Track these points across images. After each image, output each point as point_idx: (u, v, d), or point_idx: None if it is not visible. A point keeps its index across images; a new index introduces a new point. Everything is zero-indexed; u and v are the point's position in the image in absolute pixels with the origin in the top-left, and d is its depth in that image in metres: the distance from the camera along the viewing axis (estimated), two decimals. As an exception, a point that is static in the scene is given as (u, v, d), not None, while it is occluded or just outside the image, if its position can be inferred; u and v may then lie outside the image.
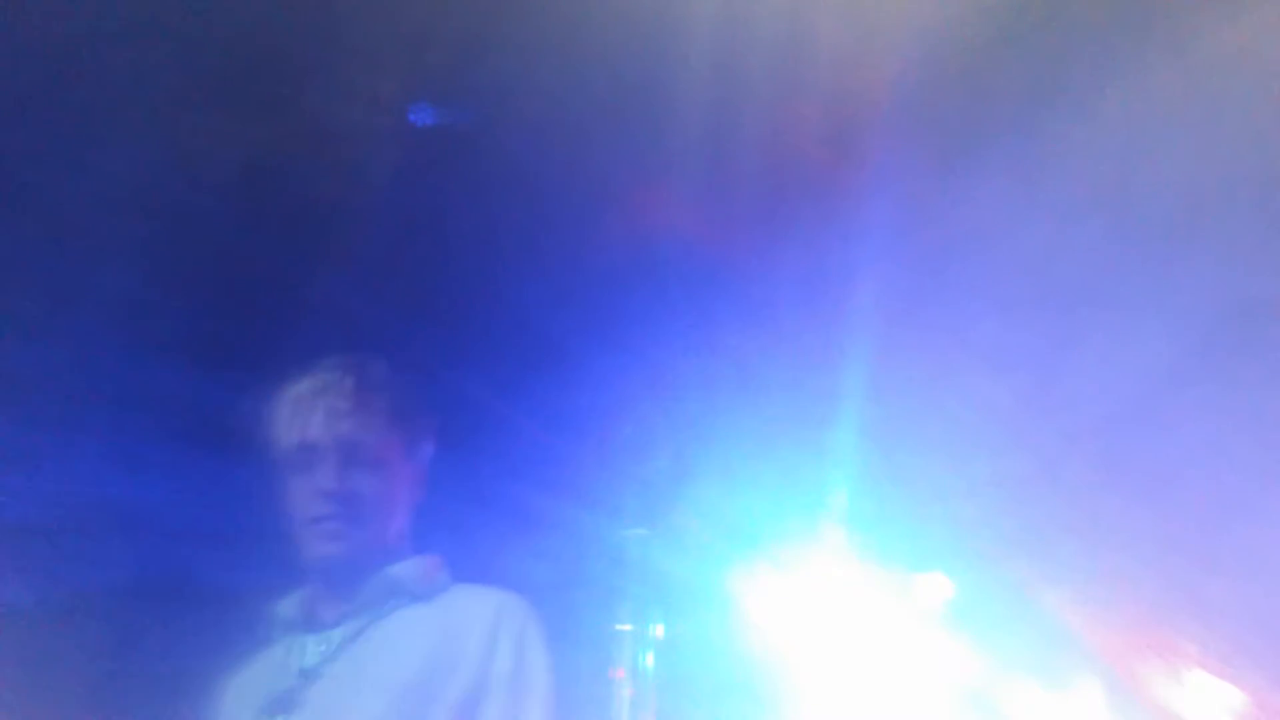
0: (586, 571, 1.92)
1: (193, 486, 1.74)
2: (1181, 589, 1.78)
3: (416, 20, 1.65)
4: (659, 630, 1.92)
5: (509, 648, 1.32)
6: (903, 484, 1.90)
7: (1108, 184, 1.69)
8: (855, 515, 1.90)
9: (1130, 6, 1.60)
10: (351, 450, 1.37)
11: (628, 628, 1.92)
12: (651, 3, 1.61)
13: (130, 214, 1.71)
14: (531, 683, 1.32)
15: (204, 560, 1.75)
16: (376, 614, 1.36)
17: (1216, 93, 1.58)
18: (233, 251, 1.80)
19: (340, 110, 1.74)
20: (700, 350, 1.91)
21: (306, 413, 1.39)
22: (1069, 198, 1.72)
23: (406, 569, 1.40)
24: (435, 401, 1.51)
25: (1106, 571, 1.83)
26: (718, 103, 1.68)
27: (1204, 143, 1.61)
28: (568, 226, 1.85)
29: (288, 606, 1.41)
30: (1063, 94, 1.65)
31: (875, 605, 1.92)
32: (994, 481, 1.87)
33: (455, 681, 1.29)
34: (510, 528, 1.84)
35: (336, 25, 1.64)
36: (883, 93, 1.69)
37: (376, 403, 1.41)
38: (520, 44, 1.66)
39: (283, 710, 1.28)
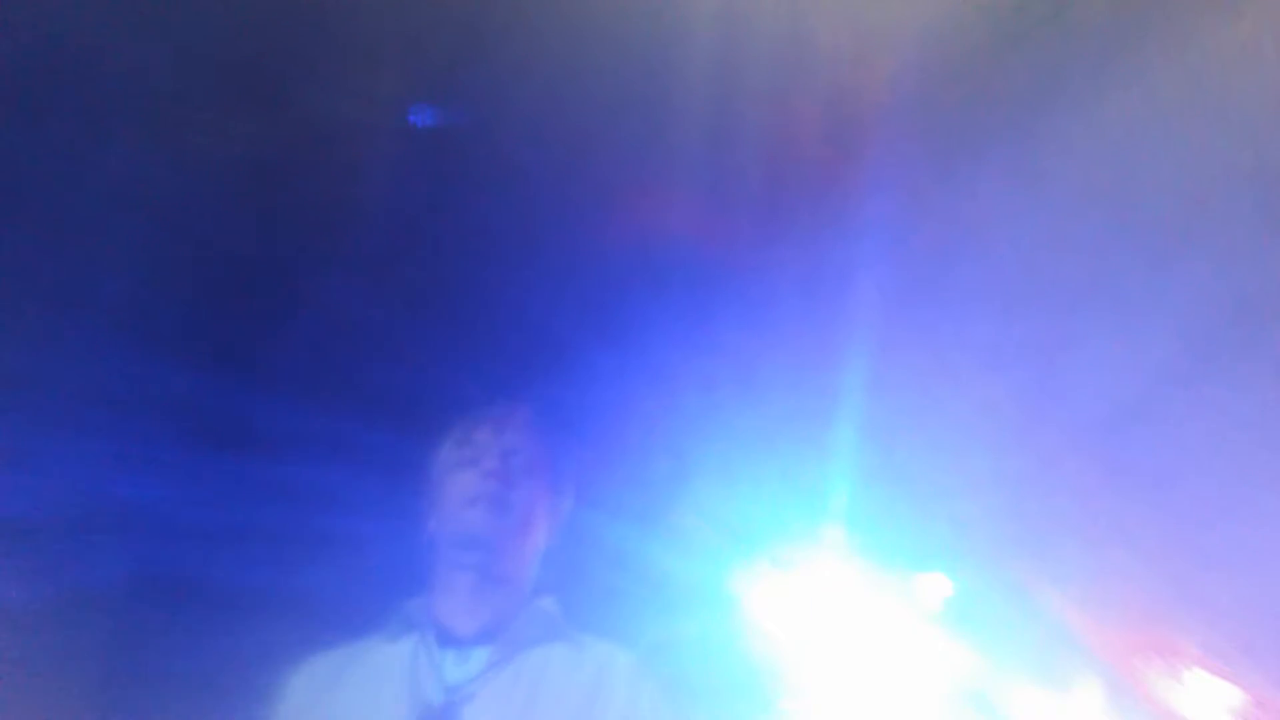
0: (586, 571, 1.92)
1: (193, 487, 1.74)
2: (1181, 589, 1.78)
3: (416, 20, 1.65)
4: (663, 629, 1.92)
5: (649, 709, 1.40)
6: (903, 484, 1.90)
7: (1108, 184, 1.69)
8: (855, 515, 1.90)
9: (1130, 6, 1.60)
10: (514, 449, 1.50)
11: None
12: (651, 3, 1.61)
13: (130, 213, 1.71)
14: None
15: (204, 560, 1.75)
16: (523, 641, 1.40)
17: (1216, 93, 1.58)
18: (232, 251, 1.80)
19: (340, 110, 1.74)
20: (700, 350, 1.91)
21: (478, 425, 1.53)
22: (1069, 197, 1.72)
23: (554, 605, 1.48)
24: (583, 469, 1.65)
25: (1106, 571, 1.83)
26: (718, 102, 1.68)
27: (1204, 143, 1.61)
28: (568, 226, 1.85)
29: (414, 612, 1.44)
30: (1062, 94, 1.65)
31: (875, 605, 1.92)
32: (994, 481, 1.87)
33: None
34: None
35: (336, 25, 1.64)
36: (883, 93, 1.70)
37: (540, 429, 1.57)
38: (520, 44, 1.66)
39: None
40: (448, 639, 1.40)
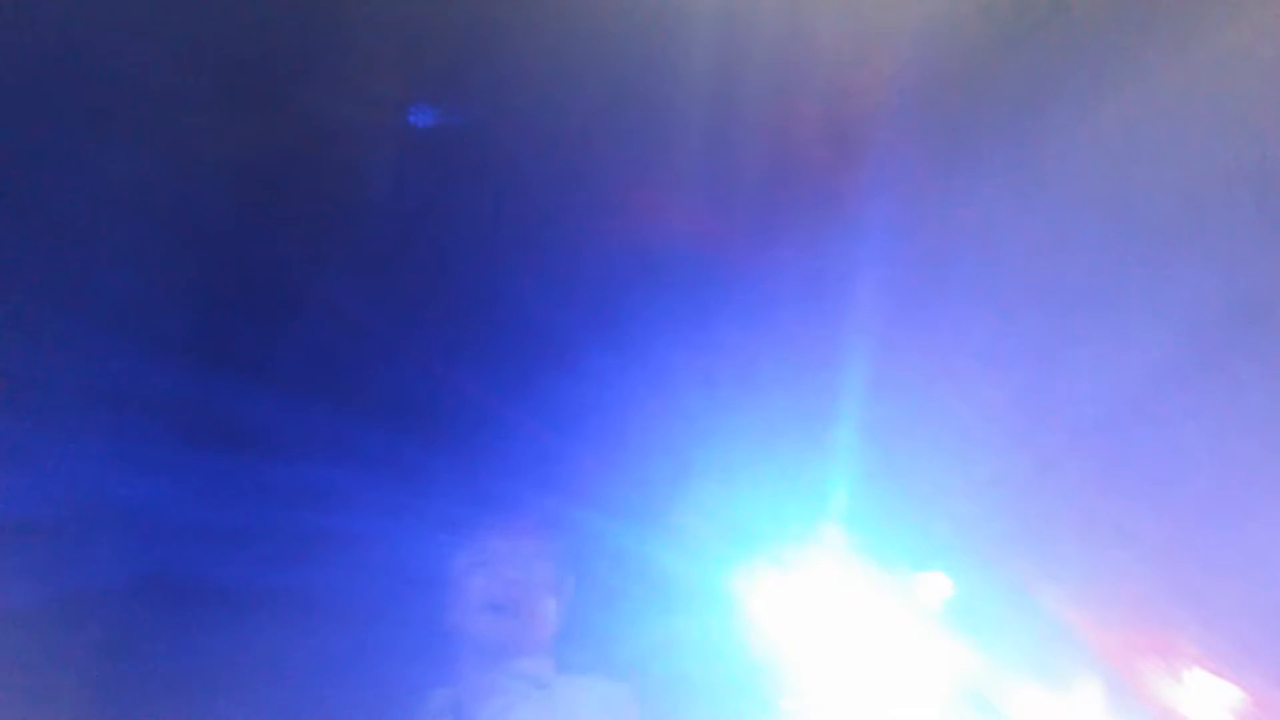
0: (586, 571, 1.92)
1: (193, 487, 1.73)
2: (1181, 589, 1.78)
3: (416, 20, 1.65)
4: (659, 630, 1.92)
5: None
6: (903, 484, 1.90)
7: (1108, 184, 1.69)
8: (855, 515, 1.90)
9: (1130, 6, 1.60)
10: (528, 559, 1.71)
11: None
12: (651, 2, 1.61)
13: (130, 213, 1.71)
14: None
15: (204, 560, 1.75)
16: (502, 706, 1.61)
17: (1216, 93, 1.58)
18: (232, 251, 1.80)
19: (340, 110, 1.74)
20: (700, 350, 1.91)
21: (488, 535, 1.72)
22: (1069, 197, 1.72)
23: (538, 662, 1.68)
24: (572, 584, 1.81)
25: (1106, 571, 1.83)
26: (718, 102, 1.68)
27: (1204, 143, 1.61)
28: (568, 226, 1.85)
29: (442, 700, 1.65)
30: (1062, 94, 1.65)
31: (875, 605, 1.92)
32: (994, 481, 1.87)
33: None
34: (510, 527, 1.84)
35: (336, 25, 1.64)
36: (883, 92, 1.70)
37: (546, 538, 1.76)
38: (520, 44, 1.66)
39: None
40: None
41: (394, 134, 1.80)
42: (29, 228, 1.66)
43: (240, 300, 1.86)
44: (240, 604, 1.67)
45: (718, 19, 1.61)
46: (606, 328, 1.86)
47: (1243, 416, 1.71)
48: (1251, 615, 1.72)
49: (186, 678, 1.59)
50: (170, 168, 1.70)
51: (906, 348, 1.83)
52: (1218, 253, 1.67)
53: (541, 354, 1.87)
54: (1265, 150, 1.60)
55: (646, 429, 1.95)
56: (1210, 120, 1.60)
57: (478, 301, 1.90)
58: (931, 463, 1.89)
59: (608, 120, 1.73)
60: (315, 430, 1.74)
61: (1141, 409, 1.79)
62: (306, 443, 1.74)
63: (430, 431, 1.75)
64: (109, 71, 1.62)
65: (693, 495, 1.96)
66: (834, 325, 1.85)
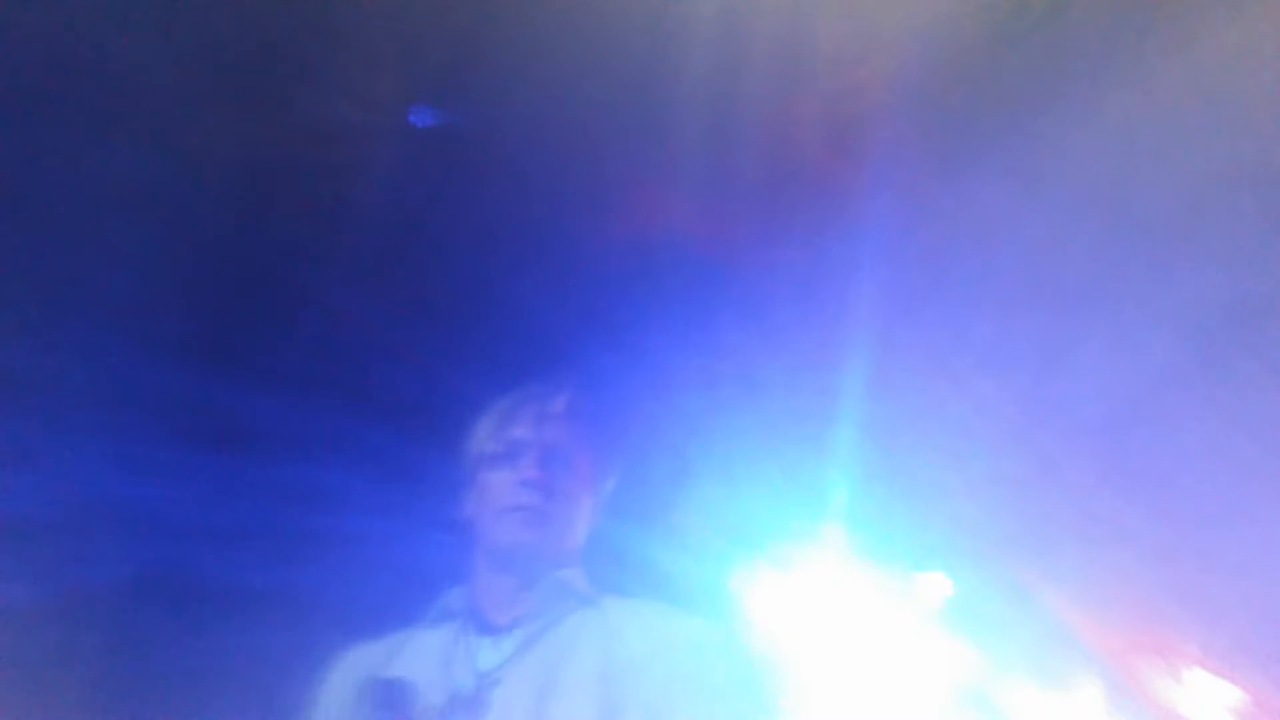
0: (586, 571, 1.92)
1: (193, 487, 1.73)
2: (1181, 589, 1.78)
3: (416, 20, 1.65)
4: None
5: (685, 656, 1.40)
6: (903, 484, 1.90)
7: (1108, 184, 1.69)
8: (855, 515, 1.90)
9: (1130, 6, 1.60)
10: (554, 450, 1.46)
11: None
12: (651, 3, 1.61)
13: (130, 213, 1.71)
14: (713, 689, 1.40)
15: (204, 560, 1.75)
16: (551, 619, 1.41)
17: (1217, 93, 1.57)
18: (232, 251, 1.80)
19: (340, 110, 1.74)
20: (700, 350, 1.91)
21: (516, 415, 1.49)
22: (1069, 198, 1.72)
23: (574, 574, 1.48)
24: (629, 442, 1.62)
25: (1106, 571, 1.82)
26: (717, 102, 1.68)
27: (1204, 143, 1.61)
28: (568, 226, 1.85)
29: (454, 601, 1.45)
30: (1063, 94, 1.65)
31: (875, 605, 1.92)
32: (994, 481, 1.87)
33: (637, 688, 1.34)
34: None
35: (336, 25, 1.64)
36: (883, 92, 1.69)
37: (583, 416, 1.54)
38: (520, 44, 1.66)
39: (466, 711, 1.33)
40: (485, 628, 1.41)
41: (394, 134, 1.80)
42: (29, 228, 1.66)
43: (240, 300, 1.86)
44: (240, 603, 1.68)
45: (718, 19, 1.61)
46: (606, 328, 1.86)
47: (1243, 416, 1.71)
48: (1251, 615, 1.72)
49: (186, 677, 1.59)
50: (170, 167, 1.70)
51: (906, 348, 1.83)
52: (1218, 253, 1.67)
53: (541, 354, 1.87)
54: (1265, 150, 1.60)
55: (647, 429, 1.95)
56: (1210, 120, 1.60)
57: (477, 301, 1.90)
58: (931, 463, 1.89)
59: (607, 121, 1.73)
60: (315, 430, 1.74)
61: (1141, 409, 1.79)
62: (307, 443, 1.74)
63: (430, 431, 1.75)
64: (109, 71, 1.62)
65: (693, 495, 1.96)
66: (834, 325, 1.85)
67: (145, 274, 1.76)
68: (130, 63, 1.61)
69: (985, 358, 1.83)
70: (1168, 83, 1.58)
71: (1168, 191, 1.65)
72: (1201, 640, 1.79)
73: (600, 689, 1.34)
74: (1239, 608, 1.73)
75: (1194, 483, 1.75)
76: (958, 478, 1.88)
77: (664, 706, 1.34)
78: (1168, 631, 1.82)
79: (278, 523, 1.64)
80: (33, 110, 1.63)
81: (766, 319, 1.91)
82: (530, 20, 1.62)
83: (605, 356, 1.86)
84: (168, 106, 1.67)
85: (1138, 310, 1.75)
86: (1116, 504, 1.81)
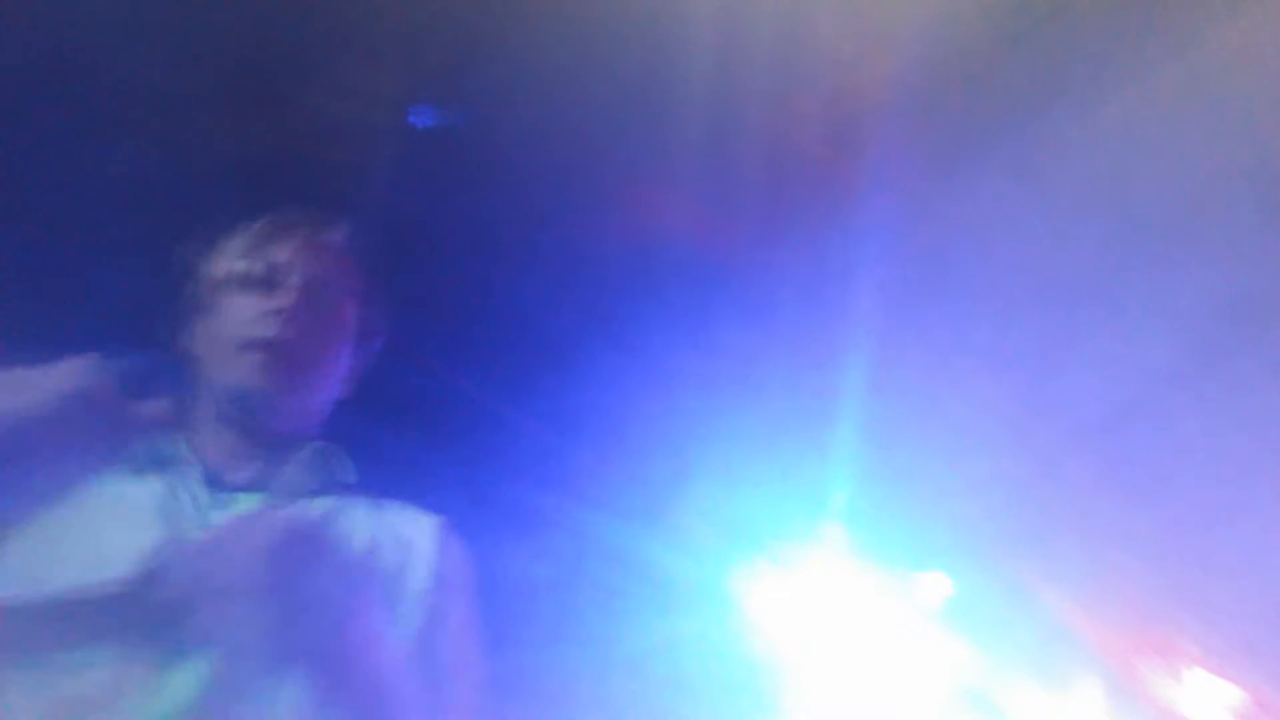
0: (586, 571, 1.92)
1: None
2: (1181, 589, 1.78)
3: (416, 20, 1.65)
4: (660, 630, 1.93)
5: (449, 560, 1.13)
6: (903, 484, 1.90)
7: (1108, 184, 1.69)
8: (855, 515, 1.90)
9: (1130, 6, 1.60)
10: (320, 283, 1.18)
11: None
12: (651, 3, 1.61)
13: (130, 213, 1.71)
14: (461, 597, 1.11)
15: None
16: (301, 492, 1.14)
17: (1216, 93, 1.57)
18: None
19: (340, 110, 1.74)
20: (700, 350, 1.91)
21: (280, 236, 1.22)
22: (1069, 197, 1.72)
23: (336, 454, 1.21)
24: (388, 307, 1.31)
25: (1106, 571, 1.83)
26: (718, 102, 1.68)
27: (1204, 142, 1.61)
28: (568, 226, 1.85)
29: (170, 447, 1.16)
30: (1063, 94, 1.65)
31: (875, 605, 1.92)
32: (994, 481, 1.87)
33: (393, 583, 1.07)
34: (510, 527, 1.84)
35: (336, 25, 1.64)
36: (883, 92, 1.69)
37: (363, 255, 1.26)
38: (520, 44, 1.66)
39: (188, 570, 0.97)
40: (214, 481, 1.11)
41: (394, 134, 1.80)
42: (29, 228, 1.66)
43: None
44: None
45: (718, 19, 1.61)
46: (606, 328, 1.86)
47: (1243, 416, 1.71)
48: (1251, 615, 1.72)
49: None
50: (171, 167, 1.70)
51: (906, 347, 1.83)
52: (1218, 252, 1.67)
53: (541, 354, 1.87)
54: (1265, 150, 1.60)
55: (647, 429, 1.95)
56: (1210, 120, 1.60)
57: (478, 301, 1.90)
58: (931, 463, 1.89)
59: (607, 120, 1.73)
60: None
61: (1141, 409, 1.79)
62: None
63: (430, 431, 1.75)
64: (109, 71, 1.62)
65: (693, 495, 1.96)
66: (834, 325, 1.85)
67: (144, 272, 1.76)
68: (131, 62, 1.62)
69: (985, 358, 1.83)
70: (1168, 83, 1.58)
71: (1167, 191, 1.65)
72: (1201, 640, 1.80)
73: (360, 574, 1.02)
74: (1239, 608, 1.73)
75: (1194, 482, 1.75)
76: (958, 478, 1.88)
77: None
78: (1168, 631, 1.82)
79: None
80: (33, 110, 1.63)
81: (766, 319, 1.91)
82: (530, 20, 1.62)
83: (605, 356, 1.86)
84: (168, 106, 1.67)
85: (1138, 310, 1.75)
86: (1116, 503, 1.81)
